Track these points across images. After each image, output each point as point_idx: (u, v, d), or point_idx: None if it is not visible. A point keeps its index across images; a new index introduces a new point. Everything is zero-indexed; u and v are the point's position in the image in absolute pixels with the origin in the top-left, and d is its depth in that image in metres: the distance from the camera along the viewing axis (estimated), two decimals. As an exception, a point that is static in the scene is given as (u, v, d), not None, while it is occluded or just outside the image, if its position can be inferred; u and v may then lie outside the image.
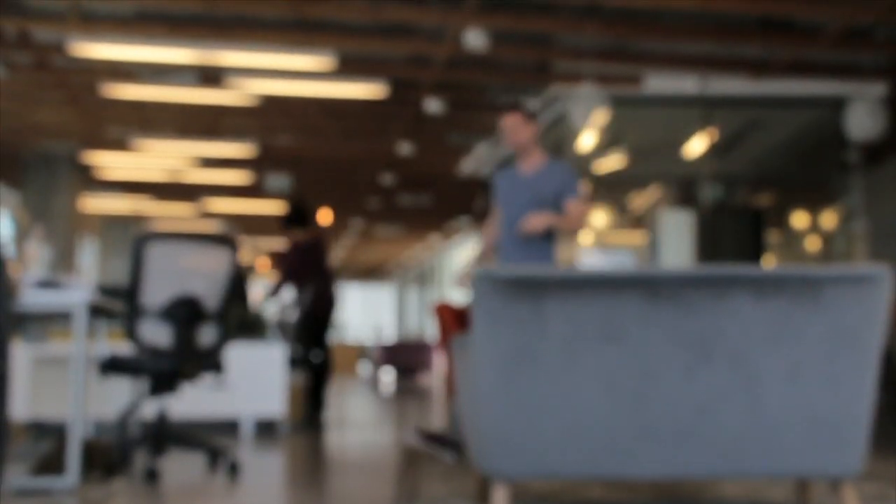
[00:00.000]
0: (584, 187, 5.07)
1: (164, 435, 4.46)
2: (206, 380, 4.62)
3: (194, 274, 4.42)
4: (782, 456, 2.82)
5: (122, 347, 5.39)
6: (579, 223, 4.95)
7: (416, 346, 19.46)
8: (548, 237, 5.02)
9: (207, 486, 4.12)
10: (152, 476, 4.16)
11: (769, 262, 10.23)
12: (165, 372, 4.39)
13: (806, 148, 10.35)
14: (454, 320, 8.11)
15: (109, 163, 13.16)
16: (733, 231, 9.97)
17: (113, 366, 4.38)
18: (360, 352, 22.58)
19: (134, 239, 4.36)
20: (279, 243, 22.94)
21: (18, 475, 4.11)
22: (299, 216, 7.48)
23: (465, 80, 9.48)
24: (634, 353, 2.78)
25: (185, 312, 4.38)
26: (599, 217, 11.07)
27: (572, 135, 8.95)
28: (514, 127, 5.03)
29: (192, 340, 4.42)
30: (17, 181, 13.40)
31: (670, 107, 9.57)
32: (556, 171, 5.02)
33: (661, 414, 2.79)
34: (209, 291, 4.49)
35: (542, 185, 4.99)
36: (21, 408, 6.10)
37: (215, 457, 4.57)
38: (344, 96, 9.74)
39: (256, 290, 8.39)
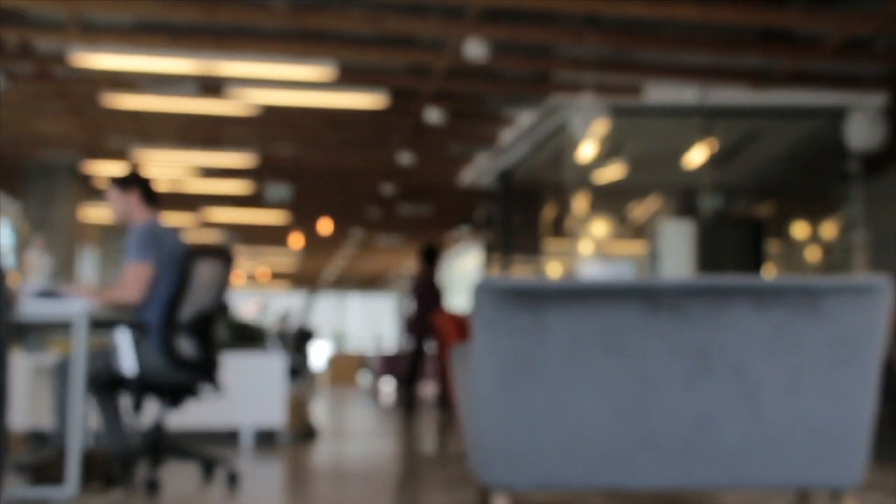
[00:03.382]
0: (138, 252, 4.61)
1: (161, 445, 4.46)
2: (207, 391, 4.66)
3: (207, 288, 4.55)
4: (783, 466, 2.81)
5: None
6: (125, 290, 4.49)
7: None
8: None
9: (206, 497, 4.12)
10: (153, 487, 4.16)
11: (769, 273, 10.22)
12: (192, 385, 4.56)
13: (806, 158, 10.36)
14: (454, 330, 8.09)
15: (110, 173, 13.16)
16: (733, 241, 9.96)
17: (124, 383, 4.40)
18: (360, 361, 22.54)
19: (183, 254, 4.47)
20: (278, 254, 22.96)
21: (17, 485, 4.10)
22: (431, 255, 10.14)
23: (466, 90, 9.49)
24: (635, 364, 2.78)
25: (207, 326, 4.58)
26: (599, 227, 11.07)
27: (572, 145, 8.95)
28: (112, 201, 4.76)
29: (213, 353, 4.61)
30: (17, 191, 13.41)
31: (670, 117, 9.58)
32: (129, 236, 4.67)
33: (661, 424, 2.79)
34: (214, 305, 4.59)
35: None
36: (20, 417, 6.09)
37: (212, 467, 4.57)
38: (344, 106, 9.74)
39: (249, 303, 8.57)
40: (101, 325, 4.44)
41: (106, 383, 4.43)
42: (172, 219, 17.11)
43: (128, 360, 4.35)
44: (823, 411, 2.81)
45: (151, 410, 4.60)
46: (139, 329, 4.40)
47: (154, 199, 4.77)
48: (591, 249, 10.84)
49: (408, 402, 10.34)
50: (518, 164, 11.47)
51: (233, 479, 4.44)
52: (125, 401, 4.56)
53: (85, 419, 4.16)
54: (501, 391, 2.79)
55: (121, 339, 4.35)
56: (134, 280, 4.48)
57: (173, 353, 4.43)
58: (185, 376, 4.51)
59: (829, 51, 7.88)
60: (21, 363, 6.16)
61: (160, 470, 4.43)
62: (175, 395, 4.53)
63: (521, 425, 2.78)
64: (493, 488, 2.83)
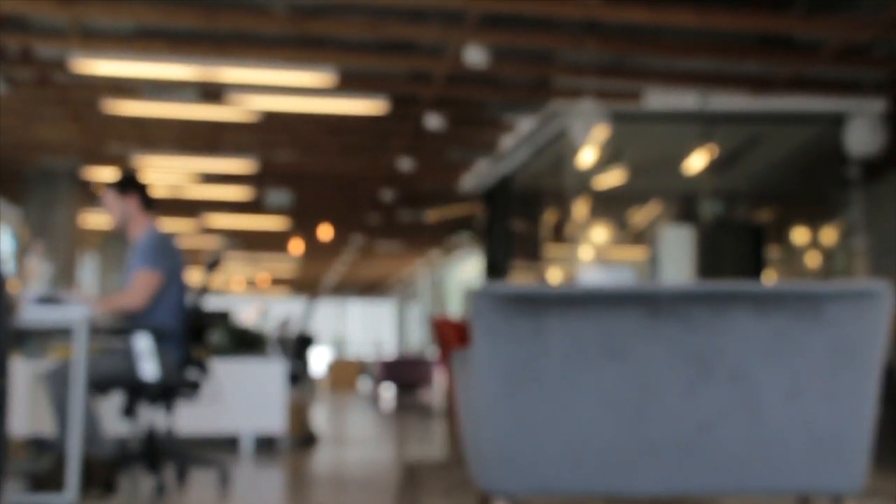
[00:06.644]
0: (152, 261, 4.58)
1: (158, 450, 4.48)
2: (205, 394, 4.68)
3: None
4: (783, 472, 2.81)
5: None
6: (132, 296, 4.49)
7: (416, 362, 19.41)
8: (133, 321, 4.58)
9: (208, 501, 4.11)
10: (160, 491, 4.17)
11: (769, 278, 10.22)
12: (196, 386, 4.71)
13: (806, 164, 10.36)
14: (455, 335, 8.09)
15: (110, 179, 13.16)
16: (733, 247, 9.95)
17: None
18: (361, 367, 22.54)
19: (211, 259, 4.66)
20: (278, 260, 22.96)
21: (17, 491, 4.10)
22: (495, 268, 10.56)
23: (466, 95, 9.50)
24: (635, 369, 2.78)
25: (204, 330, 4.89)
26: (599, 233, 11.07)
27: (572, 151, 8.95)
28: (108, 203, 4.75)
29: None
30: (17, 197, 13.41)
31: (670, 123, 9.58)
32: (139, 243, 4.66)
33: (661, 430, 2.78)
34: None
35: (132, 258, 4.68)
36: (20, 424, 6.09)
37: (224, 471, 4.58)
38: (344, 112, 9.75)
39: (249, 309, 8.59)
40: (116, 331, 4.46)
41: (123, 387, 4.44)
42: (172, 225, 17.12)
43: (150, 366, 4.34)
44: (824, 417, 2.80)
45: (145, 415, 4.61)
46: (159, 334, 4.40)
47: (152, 205, 4.78)
48: (591, 255, 10.84)
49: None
50: (518, 170, 11.48)
51: (224, 481, 4.46)
52: (112, 405, 4.63)
53: (85, 424, 4.15)
54: (501, 397, 2.78)
55: (141, 345, 4.34)
56: (142, 287, 4.49)
57: (190, 356, 4.53)
58: (194, 378, 4.59)
59: (828, 57, 7.88)
60: (21, 369, 6.16)
61: (163, 474, 4.43)
62: (174, 397, 4.56)
63: (520, 431, 2.78)
64: (492, 494, 2.82)
